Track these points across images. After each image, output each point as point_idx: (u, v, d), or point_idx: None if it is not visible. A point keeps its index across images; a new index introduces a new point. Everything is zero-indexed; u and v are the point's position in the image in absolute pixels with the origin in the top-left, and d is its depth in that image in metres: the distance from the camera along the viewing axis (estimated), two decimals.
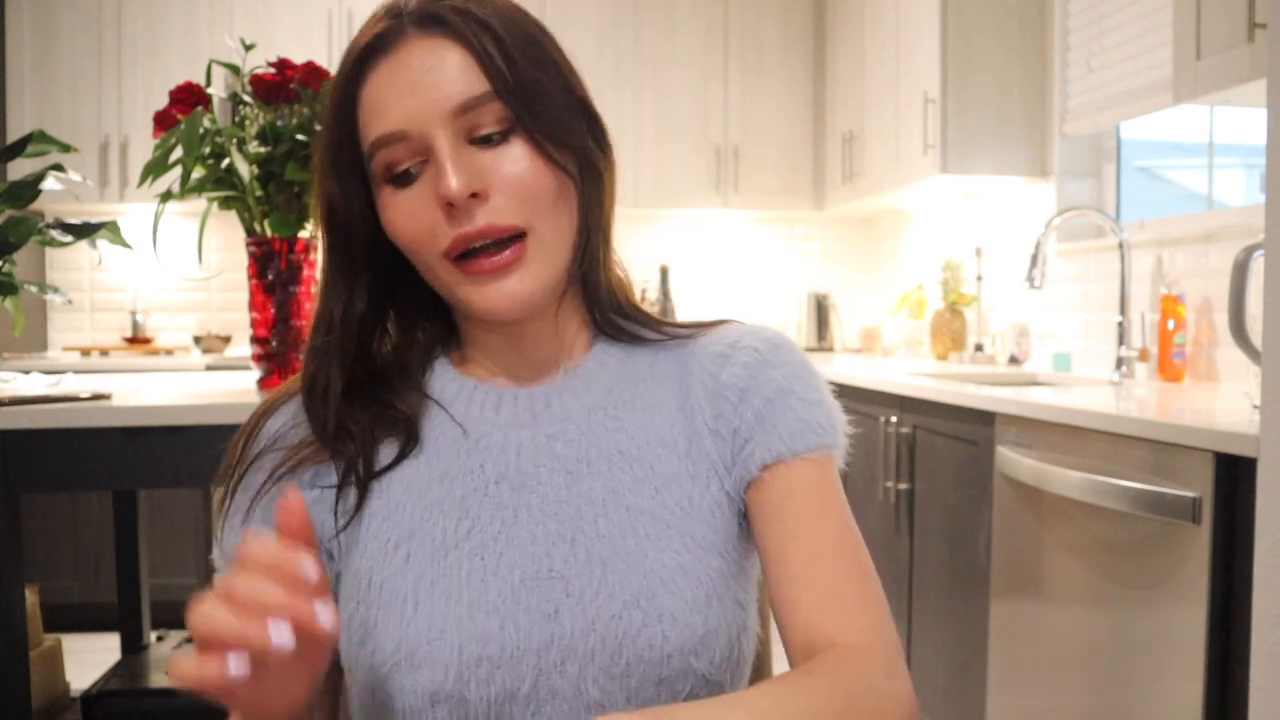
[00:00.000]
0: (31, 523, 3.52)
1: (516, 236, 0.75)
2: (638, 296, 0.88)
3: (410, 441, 0.81)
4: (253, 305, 1.82)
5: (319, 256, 0.83)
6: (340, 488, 0.79)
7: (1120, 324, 2.74)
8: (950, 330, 3.60)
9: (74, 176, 1.72)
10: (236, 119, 1.76)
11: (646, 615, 0.73)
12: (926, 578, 2.57)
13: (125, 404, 1.63)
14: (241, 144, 1.70)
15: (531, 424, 0.81)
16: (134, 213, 4.12)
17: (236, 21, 3.95)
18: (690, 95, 4.20)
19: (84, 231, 1.70)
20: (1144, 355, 2.67)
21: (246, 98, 1.75)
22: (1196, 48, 2.02)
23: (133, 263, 4.27)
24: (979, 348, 3.52)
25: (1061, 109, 3.13)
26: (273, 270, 1.79)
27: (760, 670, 0.81)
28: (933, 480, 2.53)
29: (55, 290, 1.77)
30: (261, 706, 0.64)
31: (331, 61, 3.91)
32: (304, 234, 1.80)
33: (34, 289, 1.74)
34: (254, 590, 0.58)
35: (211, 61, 1.82)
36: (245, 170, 1.68)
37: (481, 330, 0.83)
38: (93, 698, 1.89)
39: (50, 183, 1.68)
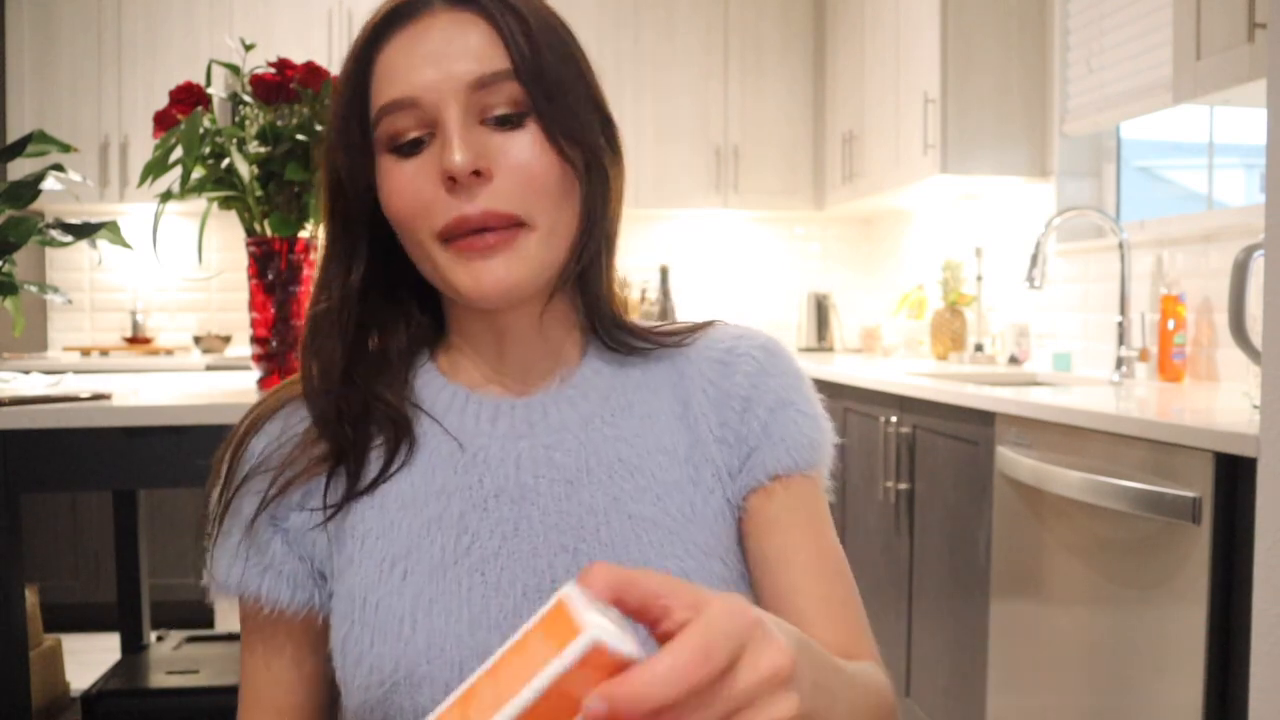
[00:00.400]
0: (31, 523, 3.53)
1: (513, 225, 0.73)
2: (636, 297, 0.87)
3: (407, 443, 0.79)
4: (253, 305, 1.82)
5: (321, 237, 0.81)
6: (331, 485, 0.78)
7: (1120, 324, 2.74)
8: (950, 330, 3.60)
9: (74, 176, 1.72)
10: (236, 119, 1.76)
11: None
12: (926, 578, 2.57)
13: (125, 404, 1.63)
14: (241, 144, 1.70)
15: (529, 434, 0.79)
16: (134, 213, 4.12)
17: (236, 21, 3.96)
18: (690, 95, 4.20)
19: (84, 231, 1.70)
20: (1144, 355, 2.67)
21: (246, 98, 1.75)
22: (1196, 48, 2.02)
23: (133, 263, 4.27)
24: (979, 348, 3.52)
25: (1061, 109, 3.13)
26: (273, 270, 1.79)
27: None
28: (933, 480, 2.53)
29: (55, 290, 1.77)
30: None
31: (331, 62, 3.92)
32: (304, 234, 1.80)
33: (34, 289, 1.74)
34: None
35: (211, 61, 1.82)
36: (245, 170, 1.68)
37: (468, 320, 0.81)
38: (93, 698, 1.89)
39: (50, 183, 1.68)
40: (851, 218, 4.60)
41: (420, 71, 0.72)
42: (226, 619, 3.55)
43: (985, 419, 2.24)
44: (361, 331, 0.80)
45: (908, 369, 3.19)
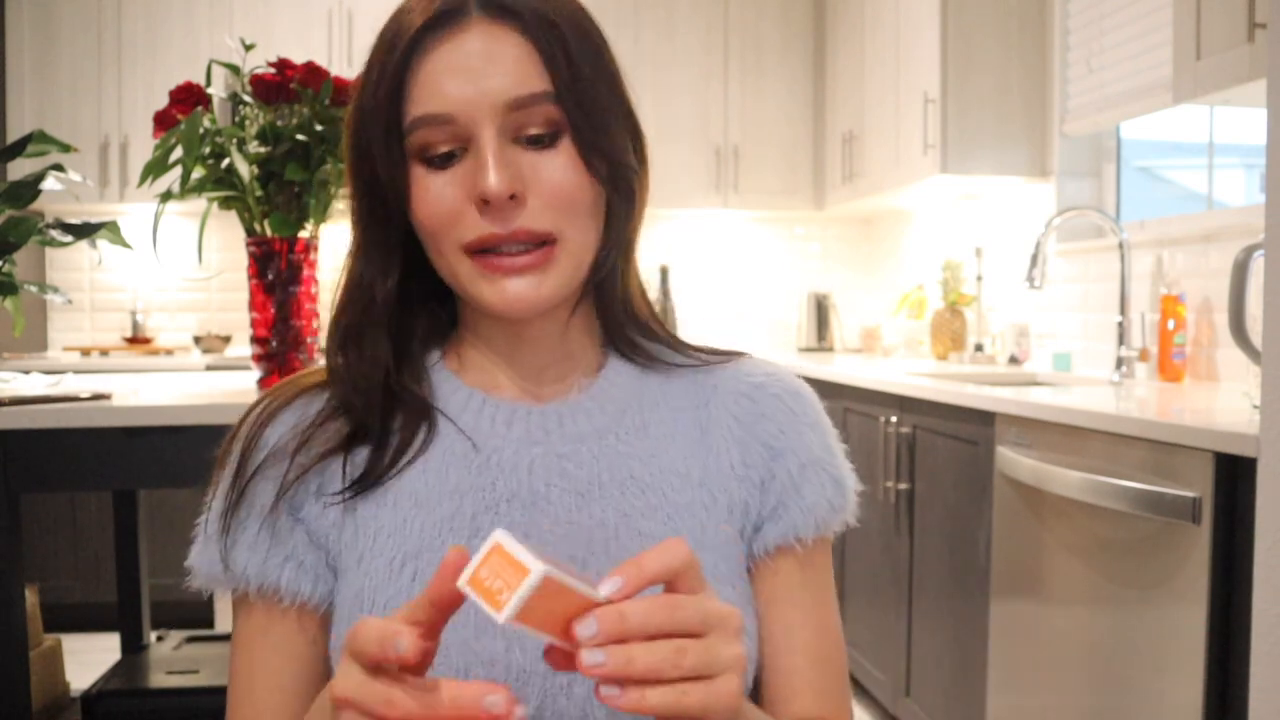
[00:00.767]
0: (31, 523, 3.53)
1: (543, 242, 0.73)
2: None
3: (425, 428, 0.78)
4: (253, 305, 1.82)
5: (350, 230, 0.80)
6: (349, 467, 0.77)
7: (1120, 324, 2.74)
8: (950, 330, 3.60)
9: (74, 176, 1.72)
10: (236, 119, 1.76)
11: None
12: (926, 578, 2.57)
13: (125, 404, 1.63)
14: (241, 144, 1.70)
15: (544, 441, 0.79)
16: (134, 213, 4.12)
17: (236, 21, 3.96)
18: (690, 95, 4.20)
19: (84, 231, 1.70)
20: (1144, 355, 2.67)
21: (246, 98, 1.75)
22: (1196, 48, 2.02)
23: (133, 263, 4.27)
24: (979, 348, 3.52)
25: (1061, 109, 3.13)
26: (273, 270, 1.79)
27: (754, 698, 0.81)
28: (933, 480, 2.53)
29: (55, 290, 1.77)
30: None
31: (331, 62, 3.93)
32: (304, 234, 1.80)
33: (34, 289, 1.74)
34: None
35: (211, 61, 1.82)
36: (245, 170, 1.68)
37: (484, 324, 0.81)
38: (93, 698, 1.89)
39: (50, 183, 1.68)
40: (851, 218, 4.60)
41: (457, 87, 0.71)
42: (226, 619, 3.55)
43: (985, 419, 2.24)
44: (389, 322, 0.80)
45: (908, 369, 3.19)
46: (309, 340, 1.83)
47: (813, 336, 4.39)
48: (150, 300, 4.36)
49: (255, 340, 1.83)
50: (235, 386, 1.97)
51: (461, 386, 0.81)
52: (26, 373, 2.03)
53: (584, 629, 0.53)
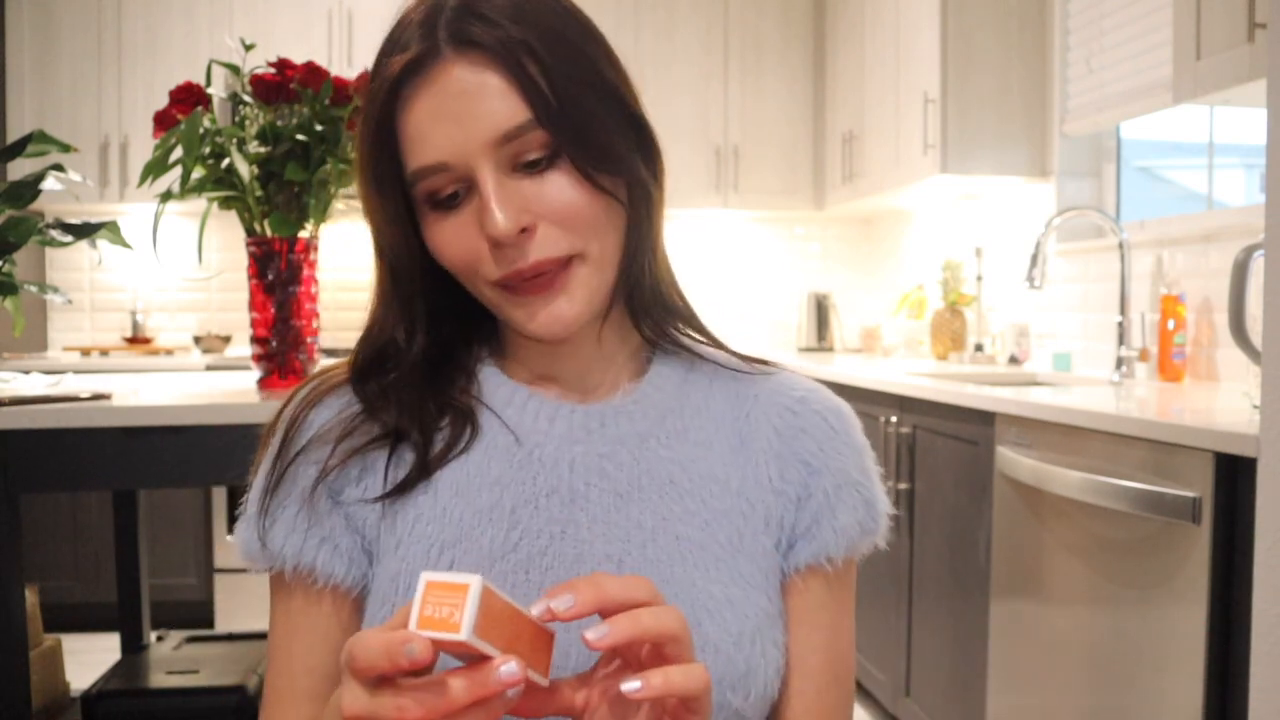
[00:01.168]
0: (31, 523, 3.53)
1: (565, 261, 0.73)
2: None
3: (473, 430, 0.79)
4: (253, 305, 1.82)
5: (373, 273, 0.80)
6: (394, 462, 0.78)
7: (1120, 324, 2.74)
8: (950, 330, 3.60)
9: (74, 176, 1.72)
10: (236, 119, 1.76)
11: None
12: (926, 578, 2.57)
13: (125, 404, 1.63)
14: (241, 144, 1.70)
15: (585, 440, 0.79)
16: (134, 213, 4.12)
17: (236, 21, 3.96)
18: (690, 95, 4.20)
19: (84, 231, 1.70)
20: (1144, 355, 2.67)
21: (246, 98, 1.75)
22: (1196, 48, 2.02)
23: (133, 263, 4.27)
24: (979, 348, 3.52)
25: (1061, 109, 3.13)
26: (273, 270, 1.79)
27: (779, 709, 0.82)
28: (933, 480, 2.53)
29: (55, 290, 1.77)
30: None
31: (331, 62, 3.93)
32: (304, 234, 1.80)
33: (34, 289, 1.74)
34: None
35: (211, 61, 1.82)
36: (245, 170, 1.68)
37: (521, 336, 0.81)
38: (93, 698, 1.89)
39: (50, 183, 1.68)
40: (851, 218, 4.60)
41: (445, 132, 0.71)
42: (226, 619, 3.56)
43: (985, 419, 2.24)
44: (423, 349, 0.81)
45: (908, 369, 3.19)
46: (309, 340, 1.83)
47: (813, 336, 4.39)
48: (150, 300, 4.36)
49: (255, 340, 1.83)
50: (235, 386, 1.97)
51: (507, 382, 0.82)
52: (26, 373, 2.03)
53: (559, 601, 0.57)
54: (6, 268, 1.66)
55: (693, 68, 4.20)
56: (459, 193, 0.73)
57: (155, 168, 1.66)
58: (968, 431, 2.32)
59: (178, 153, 1.67)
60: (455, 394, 0.81)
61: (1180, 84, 2.08)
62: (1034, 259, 2.76)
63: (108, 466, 1.64)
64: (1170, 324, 2.50)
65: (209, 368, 3.69)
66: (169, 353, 4.06)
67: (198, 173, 1.70)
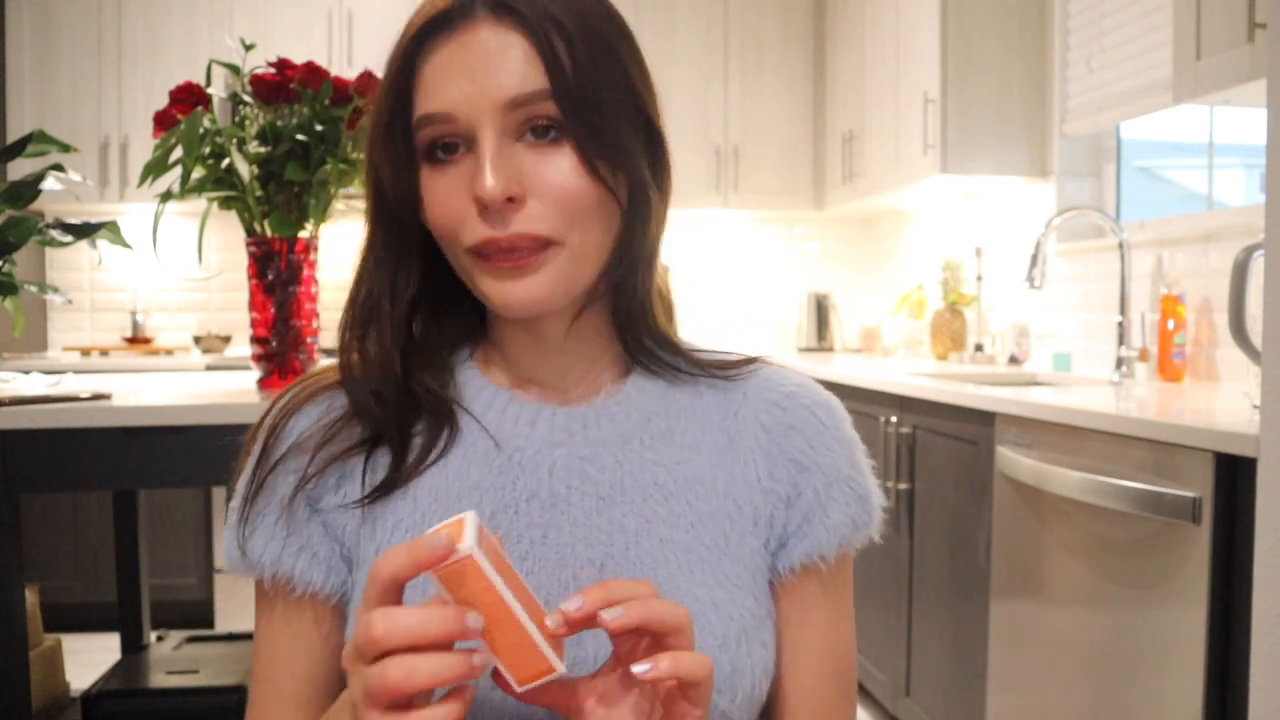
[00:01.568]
0: (31, 523, 3.53)
1: (543, 245, 0.72)
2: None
3: (448, 432, 0.79)
4: (253, 305, 1.82)
5: (364, 229, 0.79)
6: (370, 467, 0.78)
7: (1120, 324, 2.74)
8: (950, 330, 3.60)
9: (74, 176, 1.72)
10: (236, 119, 1.76)
11: None
12: (926, 578, 2.57)
13: (125, 404, 1.63)
14: (241, 144, 1.70)
15: (566, 443, 0.79)
16: (134, 213, 4.12)
17: (236, 21, 3.96)
18: (690, 95, 4.20)
19: (84, 231, 1.70)
20: (1144, 355, 2.67)
21: (246, 98, 1.75)
22: (1196, 48, 2.02)
23: (133, 263, 4.27)
24: (979, 348, 3.52)
25: (1061, 109, 3.13)
26: (273, 270, 1.79)
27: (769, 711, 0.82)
28: (933, 480, 2.53)
29: (55, 290, 1.77)
30: None
31: (331, 62, 3.93)
32: (304, 234, 1.80)
33: (34, 289, 1.74)
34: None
35: (211, 61, 1.82)
36: (245, 170, 1.68)
37: (504, 323, 0.81)
38: (93, 698, 1.89)
39: (50, 183, 1.68)
40: (851, 218, 4.60)
41: (458, 86, 0.71)
42: (226, 619, 3.56)
43: (985, 419, 2.24)
44: (406, 322, 0.80)
45: (908, 369, 3.19)
46: (309, 340, 1.83)
47: (813, 336, 4.39)
48: (150, 300, 4.36)
49: (255, 340, 1.83)
50: (235, 386, 1.97)
51: (488, 385, 0.81)
52: (26, 373, 2.03)
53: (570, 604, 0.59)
54: (6, 268, 1.66)
55: (693, 68, 4.20)
56: (459, 146, 0.73)
57: (155, 168, 1.66)
58: (968, 431, 2.32)
59: (178, 153, 1.67)
60: (434, 390, 0.80)
61: (1180, 84, 2.08)
62: (1034, 259, 2.76)
63: (108, 466, 1.64)
64: (1170, 324, 2.50)
65: (209, 368, 3.69)
66: (169, 353, 4.06)
67: (198, 173, 1.70)
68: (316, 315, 1.85)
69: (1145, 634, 1.71)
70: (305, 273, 1.81)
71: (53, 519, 3.61)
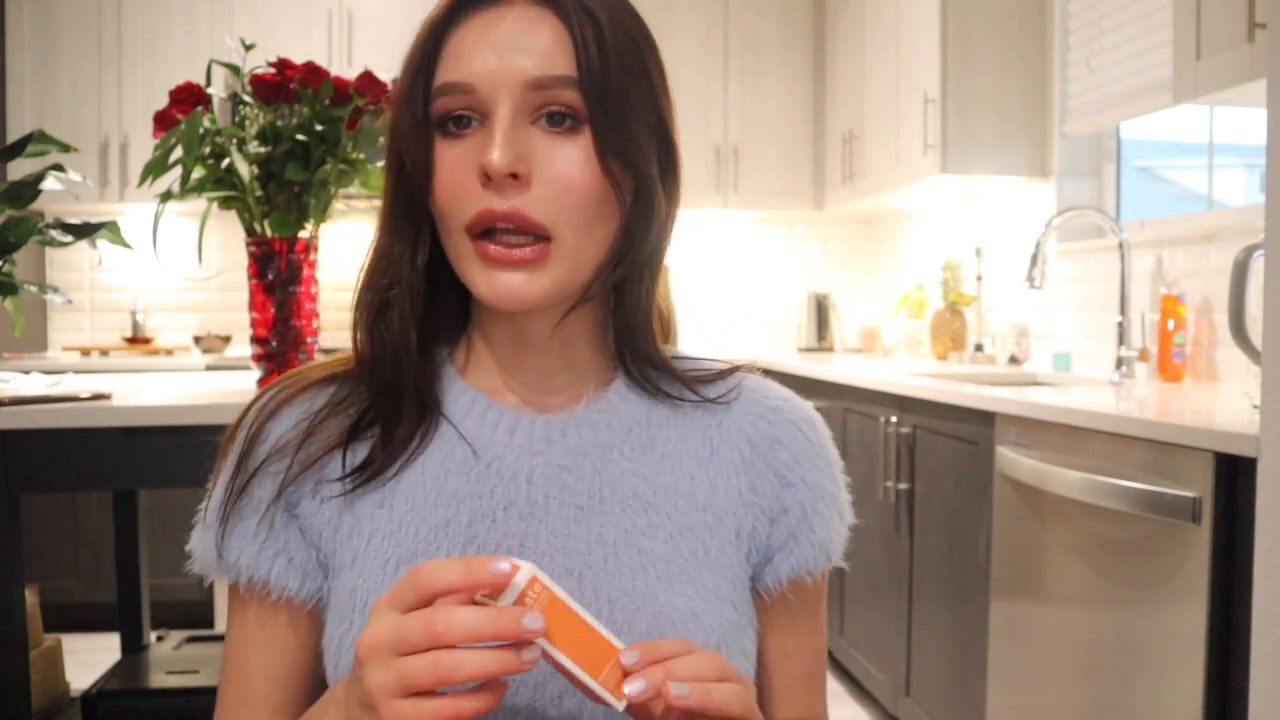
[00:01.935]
0: (31, 523, 3.53)
1: (540, 238, 0.71)
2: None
3: (431, 424, 0.78)
4: (253, 305, 1.82)
5: (380, 207, 0.78)
6: (349, 461, 0.77)
7: (1120, 324, 2.74)
8: (950, 330, 3.60)
9: (74, 176, 1.72)
10: (236, 119, 1.76)
11: None
12: (926, 578, 2.57)
13: (125, 404, 1.63)
14: (241, 144, 1.70)
15: (545, 451, 0.78)
16: (134, 213, 4.12)
17: (236, 21, 3.96)
18: (690, 95, 4.20)
19: (84, 231, 1.70)
20: (1144, 355, 2.67)
21: (246, 98, 1.75)
22: (1196, 48, 2.02)
23: (133, 263, 4.27)
24: (979, 348, 3.52)
25: (1061, 109, 3.13)
26: (273, 270, 1.79)
27: None
28: (933, 480, 2.53)
29: (55, 290, 1.77)
30: None
31: (331, 62, 3.93)
32: (304, 234, 1.80)
33: (34, 289, 1.74)
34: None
35: (211, 61, 1.82)
36: (245, 170, 1.68)
37: (490, 321, 0.80)
38: (93, 698, 1.89)
39: (50, 183, 1.68)
40: (851, 218, 4.60)
41: (483, 59, 0.71)
42: (226, 619, 3.55)
43: (985, 419, 2.24)
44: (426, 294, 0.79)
45: (908, 369, 3.19)
46: (309, 340, 1.83)
47: (813, 336, 4.39)
48: (150, 300, 4.36)
49: (255, 340, 1.83)
50: (235, 386, 1.97)
51: (467, 389, 0.80)
52: (26, 373, 2.03)
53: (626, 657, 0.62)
54: (6, 268, 1.66)
55: (693, 68, 4.20)
56: (472, 119, 0.72)
57: (155, 168, 1.66)
58: (968, 431, 2.32)
59: (178, 153, 1.67)
60: (424, 378, 0.79)
61: (1180, 84, 2.08)
62: (1034, 259, 2.76)
63: (108, 466, 1.64)
64: (1170, 324, 2.50)
65: (209, 368, 3.69)
66: (169, 353, 4.06)
67: (198, 173, 1.70)
68: (316, 315, 1.85)
69: (1145, 634, 1.71)
70: (305, 273, 1.81)
71: (53, 519, 3.61)
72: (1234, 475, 1.53)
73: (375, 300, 0.78)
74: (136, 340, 4.22)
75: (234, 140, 1.69)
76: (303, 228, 1.78)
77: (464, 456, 0.78)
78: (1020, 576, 2.11)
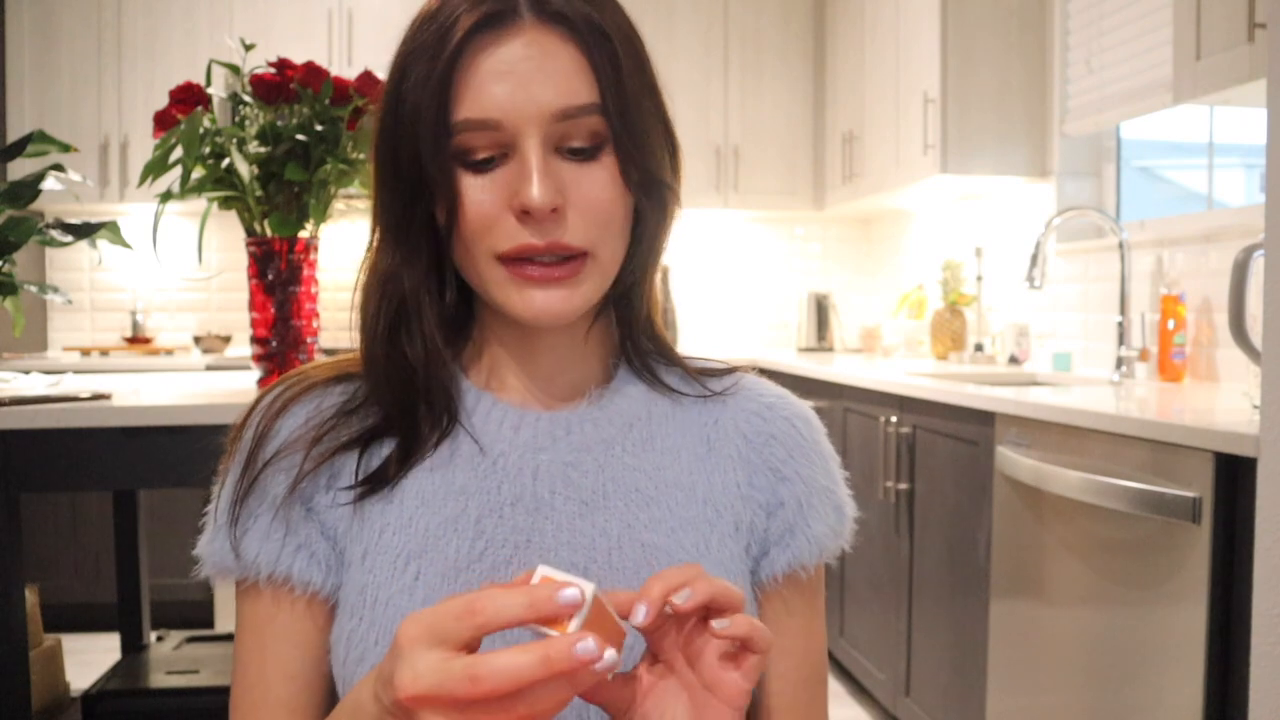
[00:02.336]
0: (31, 523, 3.53)
1: (577, 256, 0.73)
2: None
3: (450, 422, 0.78)
4: (253, 305, 1.82)
5: (372, 222, 0.78)
6: (364, 464, 0.77)
7: (1120, 324, 2.74)
8: (950, 330, 3.60)
9: (74, 176, 1.72)
10: (236, 119, 1.76)
11: None
12: (926, 578, 2.57)
13: (125, 404, 1.63)
14: (241, 144, 1.71)
15: (550, 448, 0.79)
16: (134, 213, 4.12)
17: (236, 21, 3.96)
18: (690, 95, 4.20)
19: (84, 231, 1.70)
20: (1144, 355, 2.67)
21: (246, 98, 1.75)
22: (1196, 48, 2.02)
23: (133, 263, 4.27)
24: (979, 348, 3.52)
25: (1061, 109, 3.13)
26: (273, 270, 1.79)
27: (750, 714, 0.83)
28: (933, 480, 2.53)
29: (55, 290, 1.77)
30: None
31: (331, 62, 3.93)
32: (304, 234, 1.80)
33: (34, 289, 1.74)
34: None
35: (211, 61, 1.82)
36: (245, 170, 1.68)
37: (502, 326, 0.80)
38: (93, 698, 1.89)
39: (50, 183, 1.68)
40: (851, 218, 4.60)
41: (505, 92, 0.70)
42: (226, 619, 3.55)
43: (985, 419, 2.24)
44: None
45: (908, 369, 3.19)
46: (309, 340, 1.83)
47: (813, 336, 4.39)
48: (150, 300, 4.36)
49: (255, 340, 1.83)
50: (235, 386, 1.97)
51: (471, 388, 0.81)
52: (26, 373, 2.03)
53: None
54: (6, 268, 1.66)
55: (693, 68, 4.20)
56: (494, 159, 0.72)
57: (155, 168, 1.66)
58: (968, 431, 2.32)
59: (178, 153, 1.67)
60: (444, 384, 0.79)
61: (1180, 84, 2.08)
62: (1034, 259, 2.76)
63: (108, 466, 1.64)
64: (1170, 324, 2.50)
65: (209, 368, 3.69)
66: (169, 353, 4.06)
67: (198, 173, 1.70)
68: (316, 315, 1.85)
69: (1145, 634, 1.71)
70: (305, 273, 1.81)
71: (53, 519, 3.61)
72: (1234, 475, 1.53)
73: (388, 311, 0.78)
74: (136, 340, 4.22)
75: (234, 140, 1.69)
76: (303, 228, 1.79)
77: (471, 452, 0.78)
78: (1020, 576, 2.11)
